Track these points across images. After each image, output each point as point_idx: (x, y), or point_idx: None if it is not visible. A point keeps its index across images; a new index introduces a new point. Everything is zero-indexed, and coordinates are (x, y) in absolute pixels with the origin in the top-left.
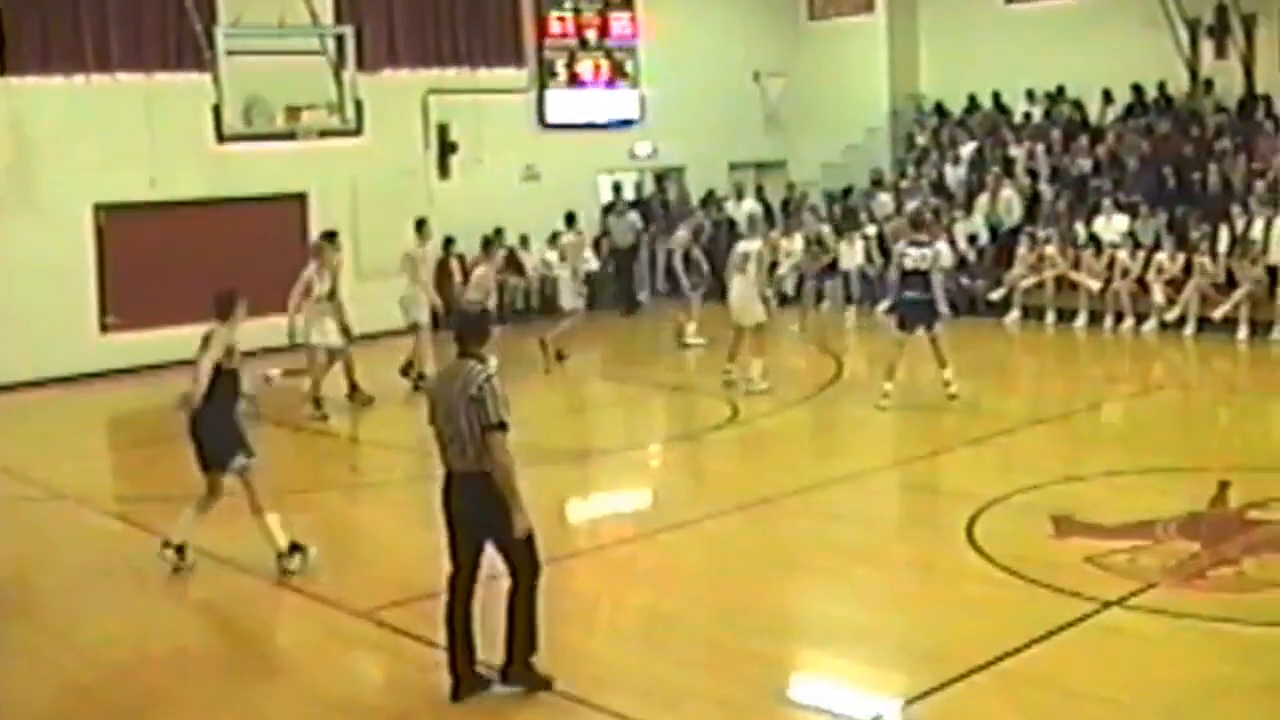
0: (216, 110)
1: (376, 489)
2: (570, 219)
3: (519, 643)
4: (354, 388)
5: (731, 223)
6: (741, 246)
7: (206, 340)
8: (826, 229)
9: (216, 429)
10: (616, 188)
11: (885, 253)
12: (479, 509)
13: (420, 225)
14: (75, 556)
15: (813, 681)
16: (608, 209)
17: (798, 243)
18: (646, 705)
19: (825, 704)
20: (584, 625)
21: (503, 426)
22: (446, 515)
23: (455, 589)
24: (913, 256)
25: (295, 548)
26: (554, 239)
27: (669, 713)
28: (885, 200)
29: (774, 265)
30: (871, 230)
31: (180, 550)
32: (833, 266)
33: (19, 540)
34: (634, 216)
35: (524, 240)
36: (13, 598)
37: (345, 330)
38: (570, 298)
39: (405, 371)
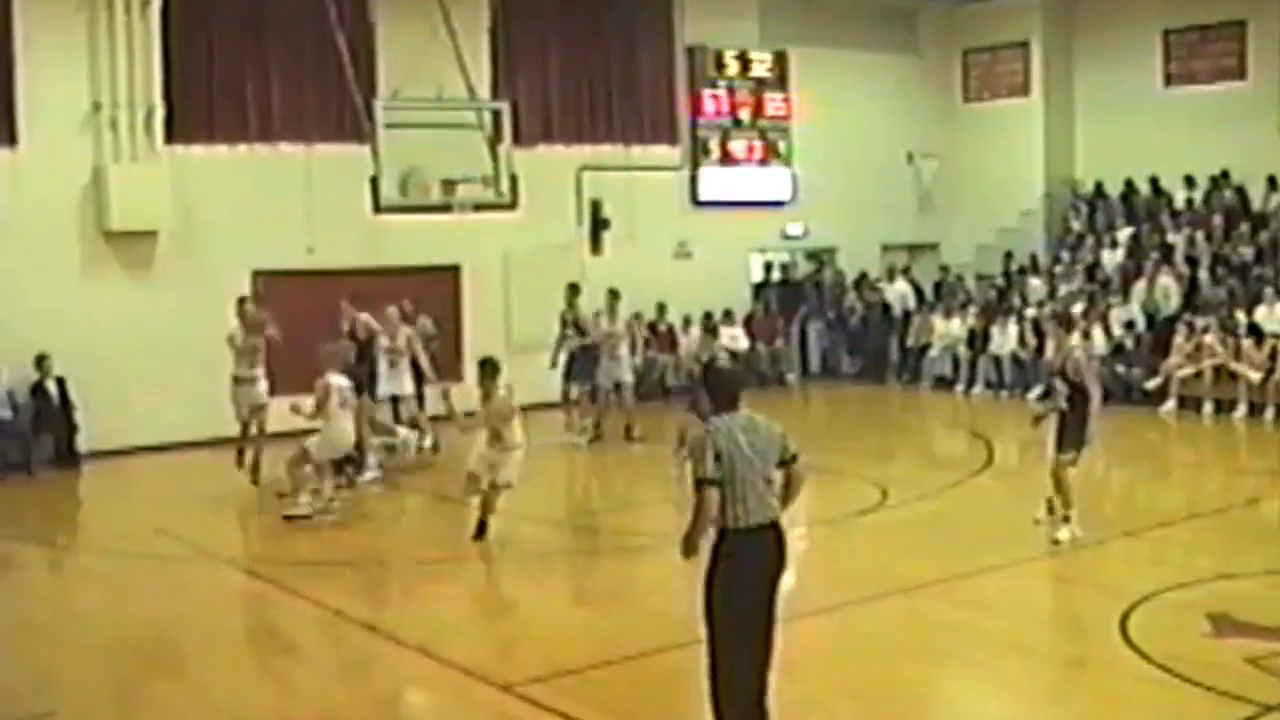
0: (374, 181)
1: (521, 561)
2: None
3: None
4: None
5: (885, 305)
6: None
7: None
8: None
9: None
10: (768, 267)
11: (1039, 337)
12: (780, 561)
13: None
14: (221, 617)
15: None
16: (759, 288)
17: (954, 326)
18: None
19: None
20: None
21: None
22: (742, 581)
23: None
24: None
25: None
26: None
27: None
28: (1038, 285)
29: (926, 347)
30: (1030, 313)
31: None
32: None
33: (168, 599)
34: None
35: (686, 321)
36: (158, 655)
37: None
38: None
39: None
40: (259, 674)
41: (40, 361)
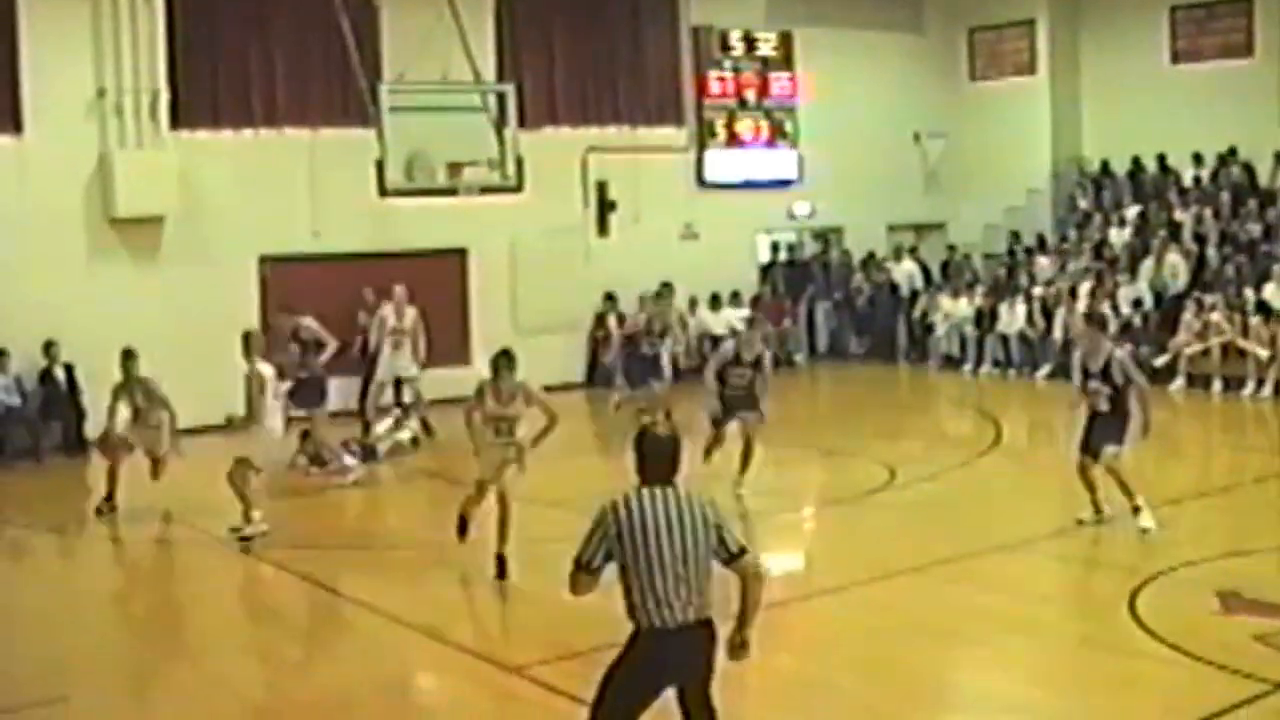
0: (379, 165)
1: (535, 545)
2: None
3: None
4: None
5: (893, 285)
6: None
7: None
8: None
9: None
10: (775, 247)
11: (1047, 316)
12: (702, 661)
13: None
14: (232, 601)
15: None
16: (766, 268)
17: (961, 305)
18: None
19: None
20: (735, 689)
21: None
22: (652, 681)
23: None
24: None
25: None
26: (715, 304)
27: None
28: (1046, 263)
29: (932, 326)
30: (1037, 292)
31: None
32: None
33: (178, 584)
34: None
35: (693, 303)
36: (170, 639)
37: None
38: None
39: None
40: (270, 657)
41: (48, 348)
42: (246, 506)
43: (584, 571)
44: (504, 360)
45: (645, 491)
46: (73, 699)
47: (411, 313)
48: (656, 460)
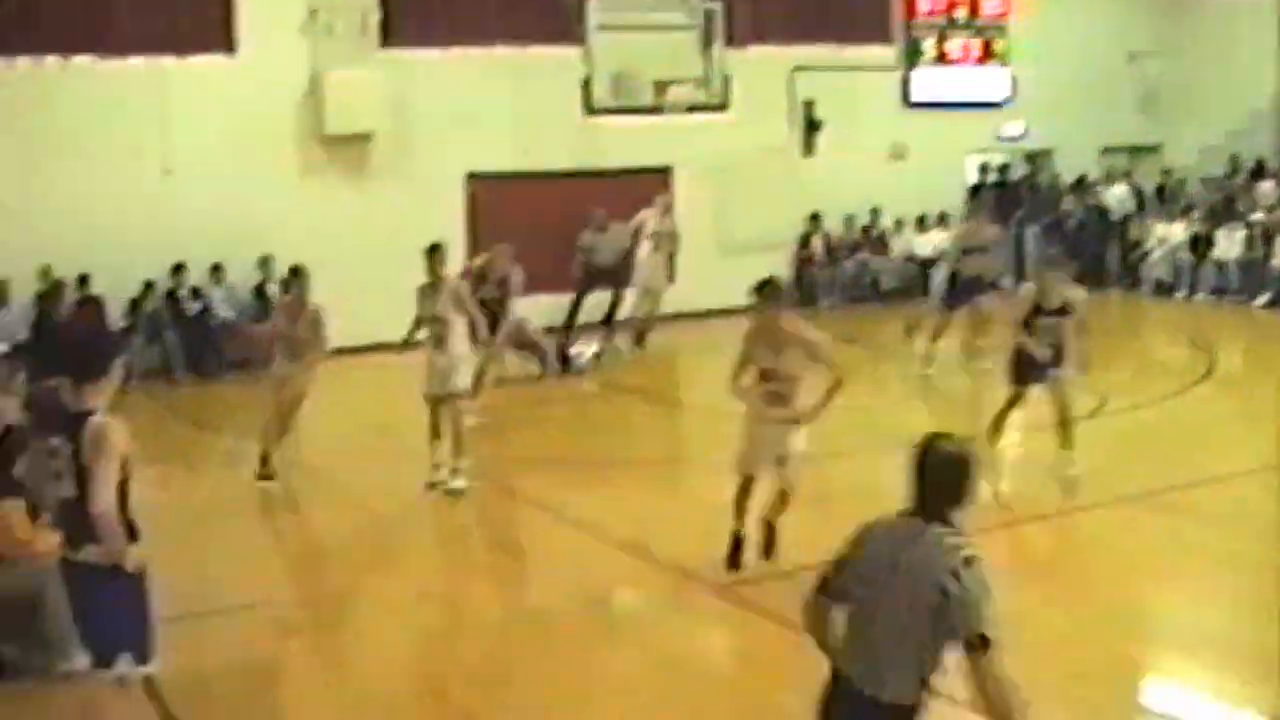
0: (586, 83)
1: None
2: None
3: None
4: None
5: (1103, 209)
6: None
7: None
8: None
9: None
10: (983, 169)
11: (1267, 243)
12: None
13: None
14: (434, 513)
15: (1176, 692)
16: (975, 190)
17: (1176, 230)
18: None
19: (1187, 717)
20: None
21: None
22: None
23: None
24: None
25: None
26: (922, 225)
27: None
28: (1268, 189)
29: (1146, 253)
30: (1256, 217)
31: None
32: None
33: (383, 499)
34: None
35: (898, 224)
36: (377, 554)
37: None
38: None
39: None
40: (473, 569)
41: (264, 263)
42: (459, 451)
43: (820, 594)
44: (771, 292)
45: (900, 522)
46: (274, 604)
47: (671, 220)
48: (931, 483)
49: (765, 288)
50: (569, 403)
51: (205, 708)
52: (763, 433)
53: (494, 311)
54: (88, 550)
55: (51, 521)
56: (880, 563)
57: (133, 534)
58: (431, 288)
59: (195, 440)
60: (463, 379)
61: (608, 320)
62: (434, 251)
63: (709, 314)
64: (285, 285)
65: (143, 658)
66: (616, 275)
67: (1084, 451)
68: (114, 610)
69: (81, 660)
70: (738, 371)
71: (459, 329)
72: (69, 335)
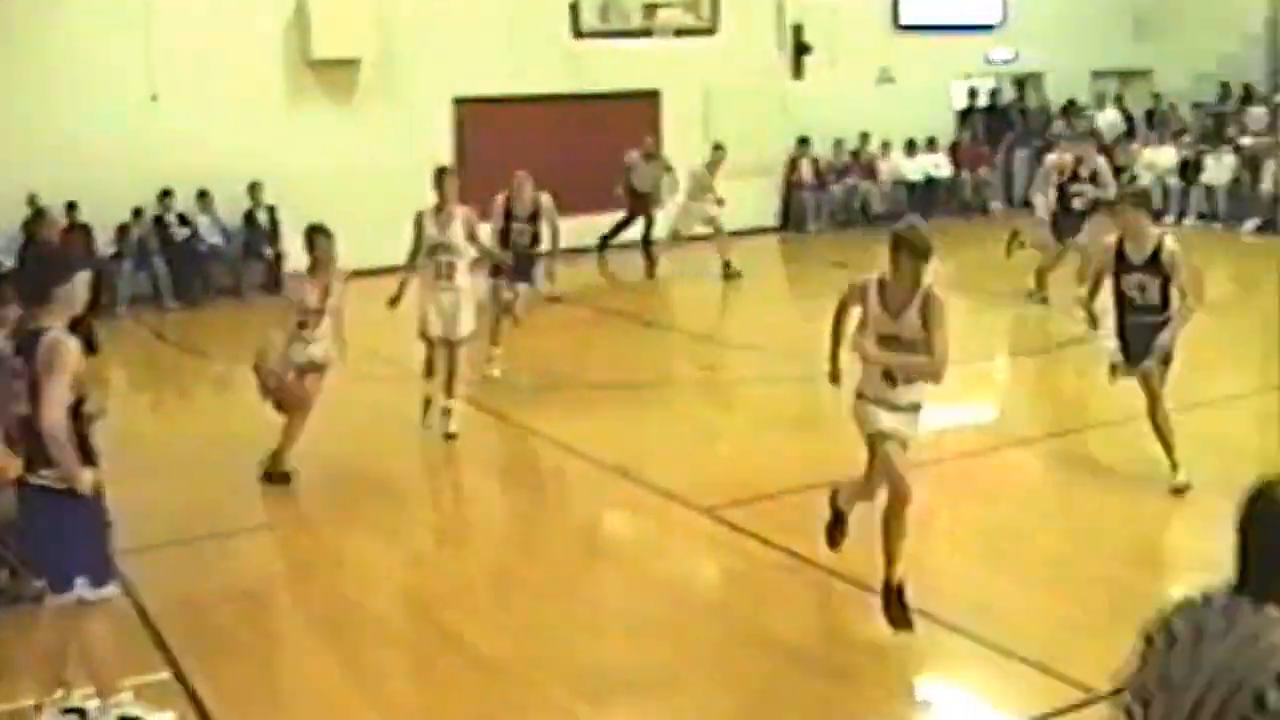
0: (574, 7)
1: (731, 387)
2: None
3: None
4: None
5: (1094, 132)
6: None
7: None
8: None
9: None
10: (972, 93)
11: (1255, 168)
12: None
13: None
14: (430, 437)
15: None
16: (964, 114)
17: (1164, 155)
18: (980, 618)
19: None
20: (920, 536)
21: None
22: None
23: None
24: None
25: None
26: (911, 149)
27: (1003, 628)
28: (1258, 114)
29: (1134, 178)
30: (1245, 142)
31: None
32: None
33: (378, 421)
34: None
35: (885, 147)
36: (370, 475)
37: None
38: None
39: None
40: (464, 493)
41: (252, 189)
42: (451, 390)
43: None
44: (910, 241)
45: (1218, 600)
46: (277, 527)
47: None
48: (1264, 548)
49: (909, 237)
50: (562, 330)
51: (198, 633)
52: (872, 418)
53: (521, 256)
54: (41, 475)
55: (10, 442)
56: (1183, 654)
57: (89, 457)
58: (439, 213)
59: (185, 366)
60: (469, 322)
61: (645, 241)
62: (444, 174)
63: (694, 238)
64: (309, 245)
65: (100, 580)
66: (647, 199)
67: (1071, 375)
68: (69, 533)
69: (38, 583)
70: (839, 321)
71: (464, 264)
72: (55, 262)
